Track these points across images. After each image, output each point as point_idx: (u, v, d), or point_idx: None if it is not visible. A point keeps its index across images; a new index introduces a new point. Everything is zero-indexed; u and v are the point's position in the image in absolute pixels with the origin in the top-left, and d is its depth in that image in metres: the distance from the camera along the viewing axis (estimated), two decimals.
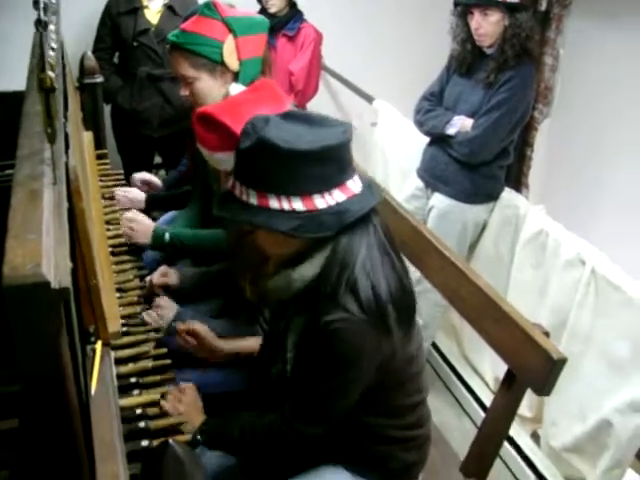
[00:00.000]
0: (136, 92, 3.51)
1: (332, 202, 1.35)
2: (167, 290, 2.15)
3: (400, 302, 1.41)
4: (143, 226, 2.32)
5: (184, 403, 1.69)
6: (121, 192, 2.65)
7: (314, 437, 1.52)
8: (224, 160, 1.84)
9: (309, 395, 1.47)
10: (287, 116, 1.40)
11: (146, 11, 3.49)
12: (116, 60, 3.66)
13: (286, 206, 1.33)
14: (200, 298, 2.20)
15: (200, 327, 1.89)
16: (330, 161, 1.34)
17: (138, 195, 2.65)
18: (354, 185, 1.40)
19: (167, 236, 2.25)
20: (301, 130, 1.35)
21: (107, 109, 3.60)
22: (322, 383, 1.43)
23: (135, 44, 3.45)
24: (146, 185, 2.82)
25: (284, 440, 1.52)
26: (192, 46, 2.14)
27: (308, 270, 1.41)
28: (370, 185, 1.45)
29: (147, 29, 3.45)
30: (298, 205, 1.33)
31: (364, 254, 1.38)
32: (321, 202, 1.34)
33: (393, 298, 1.39)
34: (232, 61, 2.16)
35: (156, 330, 1.97)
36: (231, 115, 1.80)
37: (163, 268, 2.19)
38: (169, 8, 3.48)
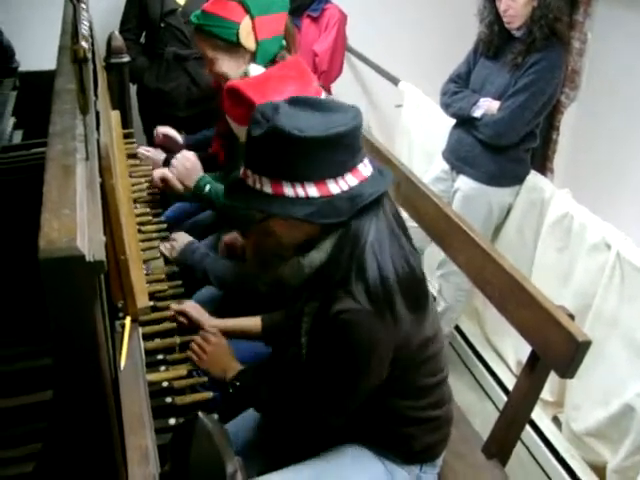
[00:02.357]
0: (163, 72, 3.51)
1: (345, 187, 1.35)
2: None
3: (407, 283, 1.41)
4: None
5: (210, 348, 1.76)
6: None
7: (337, 425, 1.56)
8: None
9: (328, 388, 1.48)
10: (295, 102, 1.39)
11: None
12: (142, 40, 3.66)
13: (301, 193, 1.33)
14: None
15: (191, 307, 1.92)
16: (342, 146, 1.34)
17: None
18: (365, 169, 1.40)
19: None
20: (311, 117, 1.35)
21: (133, 89, 3.62)
22: (338, 375, 1.44)
23: (162, 25, 3.45)
24: (166, 138, 2.84)
25: (311, 420, 1.56)
26: (209, 27, 2.17)
27: (316, 256, 1.41)
28: (381, 169, 1.46)
29: (174, 9, 3.44)
30: (313, 191, 1.33)
31: (372, 237, 1.38)
32: (335, 187, 1.34)
33: (400, 280, 1.39)
34: (249, 42, 2.18)
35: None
36: (257, 91, 1.84)
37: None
38: None
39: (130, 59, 3.15)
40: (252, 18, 2.16)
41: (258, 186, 1.35)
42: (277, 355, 1.77)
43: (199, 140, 2.90)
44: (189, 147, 2.83)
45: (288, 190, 1.33)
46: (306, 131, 1.30)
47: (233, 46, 2.18)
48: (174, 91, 3.54)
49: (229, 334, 1.88)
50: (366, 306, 1.34)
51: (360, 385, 1.46)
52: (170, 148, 2.83)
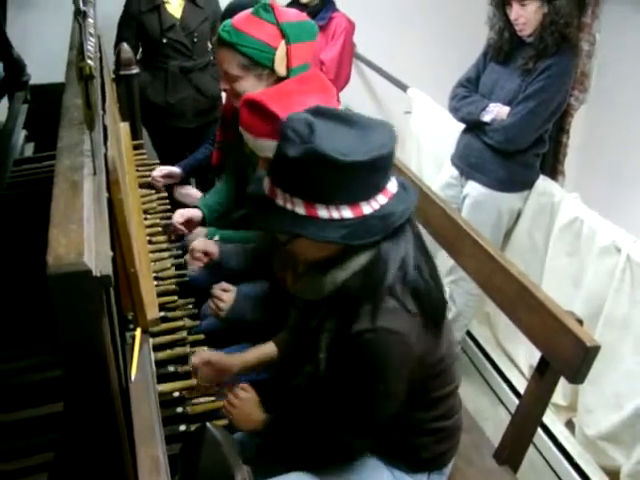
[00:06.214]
0: (170, 86, 3.54)
1: (377, 206, 1.33)
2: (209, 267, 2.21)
3: (430, 305, 1.41)
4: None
5: (239, 403, 1.64)
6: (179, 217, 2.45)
7: (362, 448, 1.55)
8: (268, 146, 1.81)
9: (354, 409, 1.46)
10: (323, 116, 1.35)
11: (167, 6, 3.49)
12: (139, 56, 3.65)
13: (335, 215, 1.30)
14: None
15: (210, 355, 1.80)
16: (381, 169, 1.32)
17: (195, 214, 2.48)
18: (392, 185, 1.38)
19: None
20: (347, 136, 1.31)
21: None
22: (362, 395, 1.43)
23: (164, 40, 3.48)
24: (168, 177, 2.82)
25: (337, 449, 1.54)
26: (244, 48, 2.10)
27: (341, 274, 1.39)
28: (404, 183, 1.44)
29: (173, 24, 3.47)
30: (347, 213, 1.30)
31: (403, 258, 1.37)
32: (367, 208, 1.32)
33: (424, 301, 1.39)
34: (281, 68, 2.14)
35: (191, 317, 2.00)
36: (280, 104, 1.81)
37: (202, 238, 2.24)
38: (190, 0, 3.50)
39: None
40: (288, 44, 2.12)
41: (289, 206, 1.32)
42: (283, 376, 1.72)
43: (192, 165, 2.92)
44: (188, 174, 2.87)
45: (322, 212, 1.30)
46: (349, 155, 1.26)
47: (264, 69, 2.14)
48: (181, 103, 3.58)
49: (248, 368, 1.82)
50: (390, 326, 1.33)
51: (384, 404, 1.45)
52: (172, 182, 2.86)
